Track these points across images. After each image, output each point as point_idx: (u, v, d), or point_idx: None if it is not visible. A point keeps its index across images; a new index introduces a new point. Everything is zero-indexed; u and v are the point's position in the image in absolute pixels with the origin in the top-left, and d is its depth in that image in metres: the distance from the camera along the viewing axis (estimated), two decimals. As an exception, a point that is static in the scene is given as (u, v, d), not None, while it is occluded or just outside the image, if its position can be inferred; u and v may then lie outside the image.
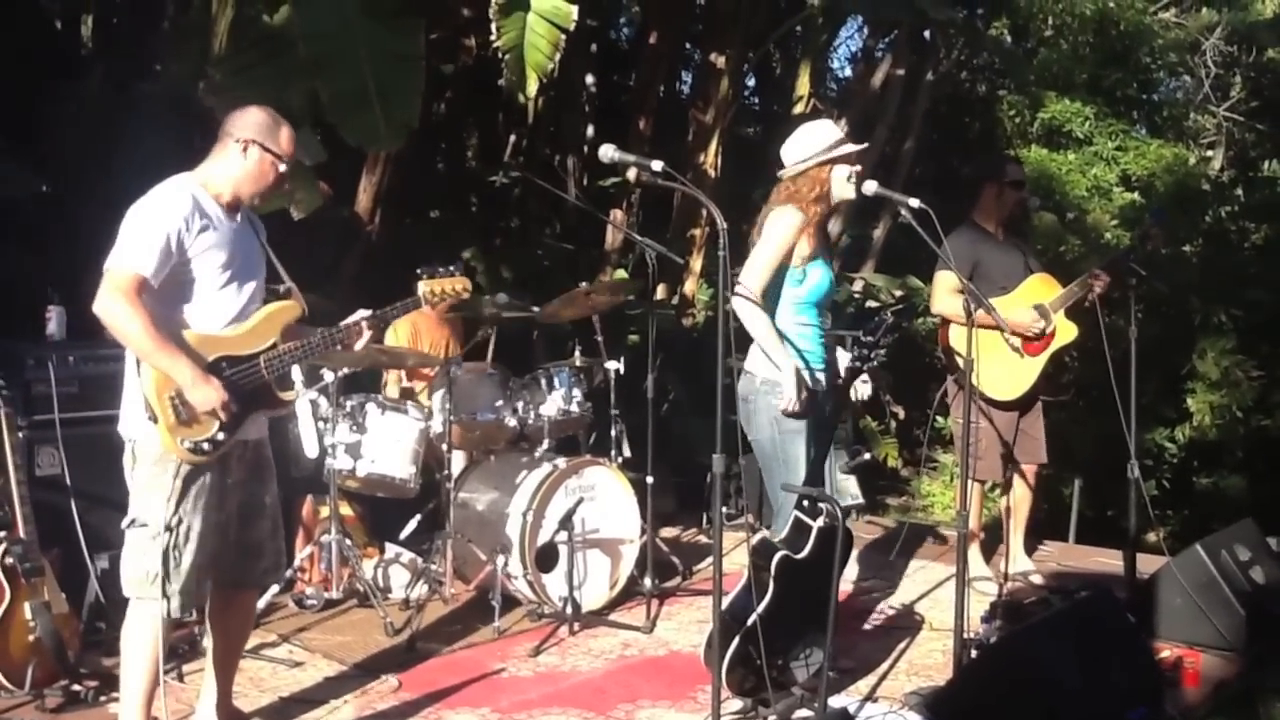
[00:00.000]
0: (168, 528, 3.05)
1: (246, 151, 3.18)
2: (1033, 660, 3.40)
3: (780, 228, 3.81)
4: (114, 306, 2.96)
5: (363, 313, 3.42)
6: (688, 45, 10.15)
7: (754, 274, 3.80)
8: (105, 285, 2.98)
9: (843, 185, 3.87)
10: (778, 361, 3.73)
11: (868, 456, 7.16)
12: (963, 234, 5.01)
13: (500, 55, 5.69)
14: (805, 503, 3.56)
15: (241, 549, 3.29)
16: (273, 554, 3.39)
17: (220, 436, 3.09)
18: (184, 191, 3.11)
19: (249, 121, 3.20)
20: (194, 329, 3.10)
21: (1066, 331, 4.97)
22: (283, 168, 3.23)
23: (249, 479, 3.28)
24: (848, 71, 11.63)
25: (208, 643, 3.43)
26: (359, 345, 3.43)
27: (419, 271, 3.55)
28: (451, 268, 3.58)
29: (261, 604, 4.41)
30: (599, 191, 8.91)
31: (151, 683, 3.11)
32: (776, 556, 3.46)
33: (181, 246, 3.05)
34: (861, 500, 6.59)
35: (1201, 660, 4.00)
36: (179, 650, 3.91)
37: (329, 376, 4.57)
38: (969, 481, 3.96)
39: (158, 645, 3.08)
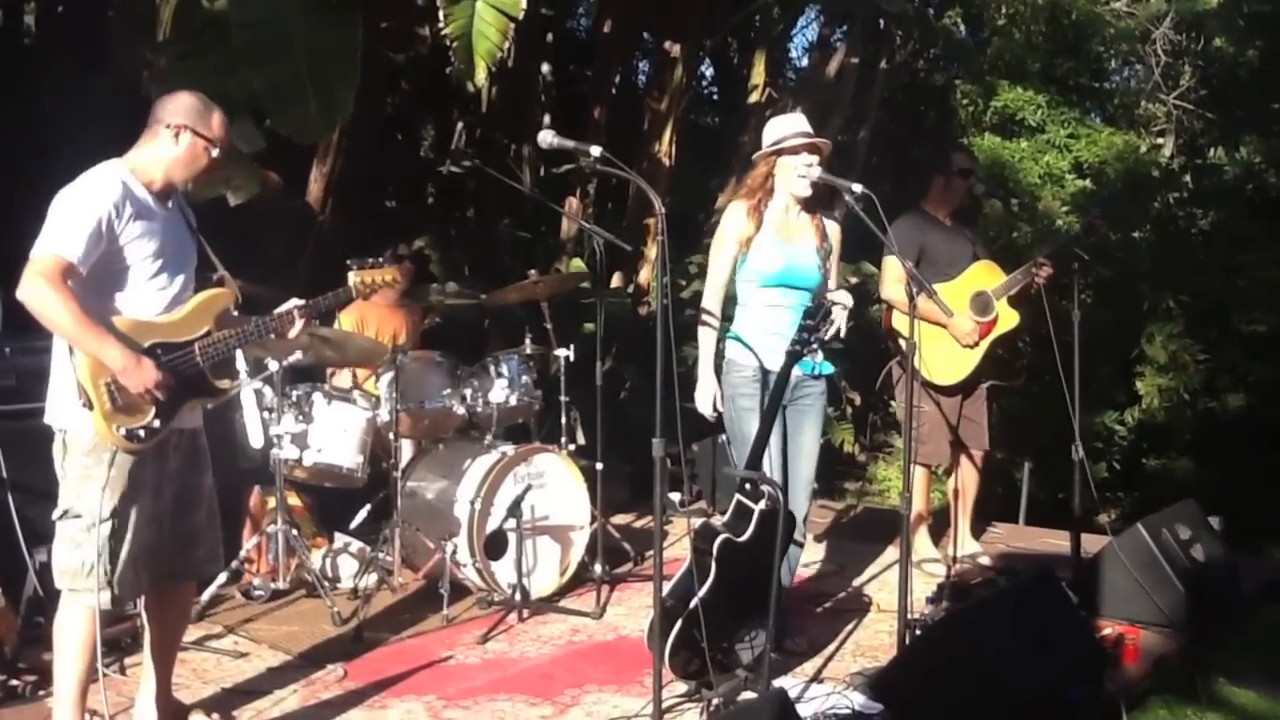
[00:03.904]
0: (106, 519, 2.99)
1: (178, 137, 3.14)
2: (973, 639, 3.43)
3: (721, 230, 4.05)
4: (38, 291, 2.88)
5: (295, 302, 3.39)
6: (645, 35, 10.14)
7: (710, 290, 4.05)
8: (29, 270, 2.90)
9: (791, 178, 3.95)
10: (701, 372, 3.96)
11: (821, 441, 7.19)
12: (909, 220, 5.05)
13: (449, 43, 5.67)
14: (747, 486, 3.57)
15: (178, 540, 3.24)
16: (210, 544, 3.35)
17: (156, 424, 3.05)
18: (114, 177, 3.05)
19: (179, 106, 3.16)
20: (126, 316, 3.05)
21: (1008, 319, 5.02)
22: (215, 152, 3.20)
23: (185, 468, 3.24)
24: (805, 61, 11.64)
25: (146, 637, 3.38)
26: (293, 333, 3.40)
27: (348, 263, 3.58)
28: (381, 259, 3.66)
29: (206, 596, 4.39)
30: (555, 180, 8.89)
31: (85, 675, 3.06)
32: (718, 540, 3.47)
33: (112, 233, 2.99)
34: (815, 485, 6.60)
35: (1141, 637, 4.05)
36: (121, 643, 3.88)
37: (273, 366, 4.53)
38: (913, 465, 4.01)
39: (91, 638, 3.04)
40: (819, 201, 4.08)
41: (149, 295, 3.11)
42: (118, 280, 3.06)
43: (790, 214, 4.03)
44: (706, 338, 3.99)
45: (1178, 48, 9.76)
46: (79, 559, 3.02)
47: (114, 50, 6.50)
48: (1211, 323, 7.81)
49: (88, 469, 3.01)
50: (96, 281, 3.00)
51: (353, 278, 3.52)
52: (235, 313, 3.35)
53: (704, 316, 3.98)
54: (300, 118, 5.30)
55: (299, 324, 3.38)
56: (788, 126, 4.02)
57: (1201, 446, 7.67)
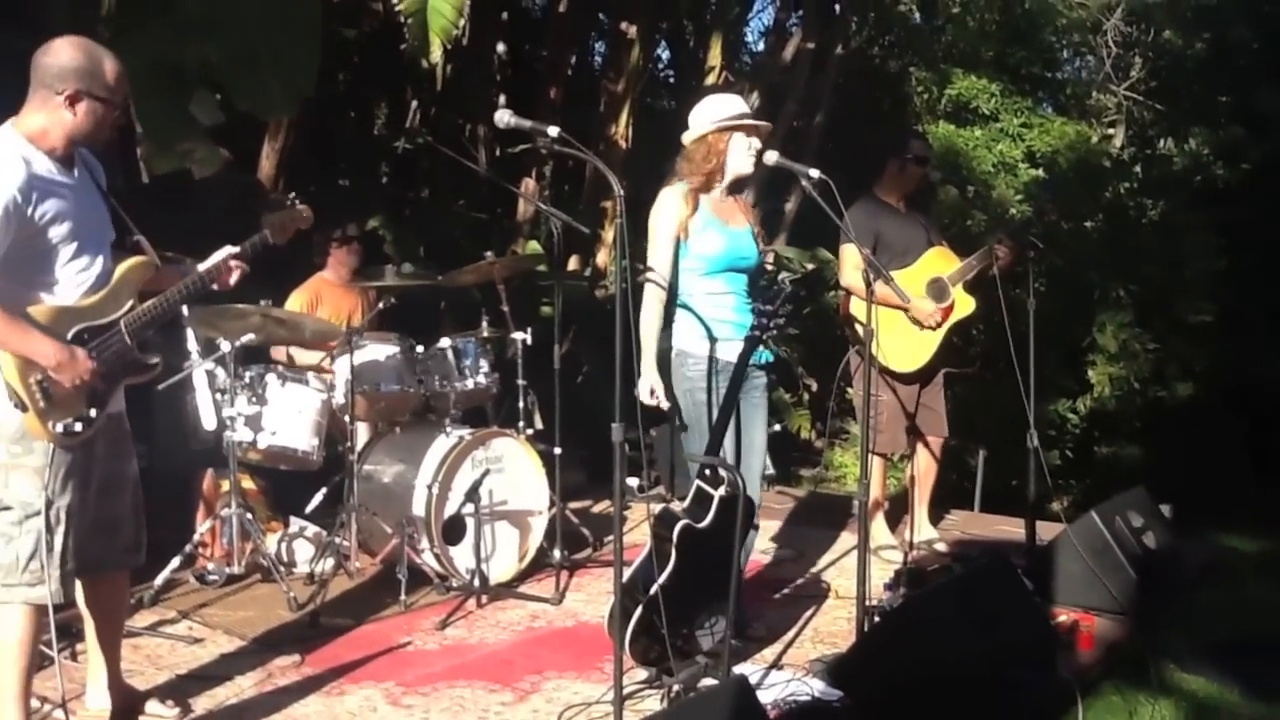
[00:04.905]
0: (41, 510, 2.87)
1: (75, 106, 2.88)
2: (930, 625, 3.46)
3: (661, 210, 3.92)
4: None
5: (228, 250, 3.27)
6: (601, 15, 10.08)
7: (655, 260, 3.91)
8: None
9: (740, 157, 3.91)
10: (640, 356, 3.78)
11: (778, 428, 7.23)
12: (862, 206, 5.05)
13: (403, 19, 5.59)
14: (707, 472, 3.56)
15: (99, 527, 3.10)
16: (132, 532, 3.22)
17: (92, 414, 2.95)
18: (13, 156, 2.83)
19: (67, 69, 2.87)
20: (48, 303, 2.91)
21: (964, 305, 5.05)
22: (117, 109, 2.98)
23: (110, 454, 3.11)
24: (761, 45, 11.65)
25: (88, 626, 3.30)
26: (233, 280, 3.29)
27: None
28: (293, 195, 3.50)
29: (160, 580, 4.32)
30: (511, 161, 8.82)
31: (26, 671, 2.96)
32: (678, 526, 3.46)
33: (21, 219, 2.79)
34: (772, 471, 6.65)
35: (1096, 623, 4.11)
36: (73, 628, 3.78)
37: (226, 347, 4.44)
38: (869, 452, 4.02)
39: (28, 635, 2.93)
40: (744, 183, 4.07)
41: (71, 278, 2.95)
42: (36, 266, 2.89)
43: (723, 196, 3.98)
44: (647, 317, 3.88)
45: (1128, 39, 9.88)
46: (13, 553, 2.90)
47: (54, 19, 6.31)
48: (1159, 312, 7.94)
49: (16, 458, 2.89)
50: (14, 271, 2.83)
51: (265, 223, 3.37)
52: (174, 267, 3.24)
53: (651, 275, 3.86)
54: (260, 93, 5.19)
55: (236, 272, 3.28)
56: (731, 106, 3.97)
57: (1150, 434, 7.80)
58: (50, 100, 2.89)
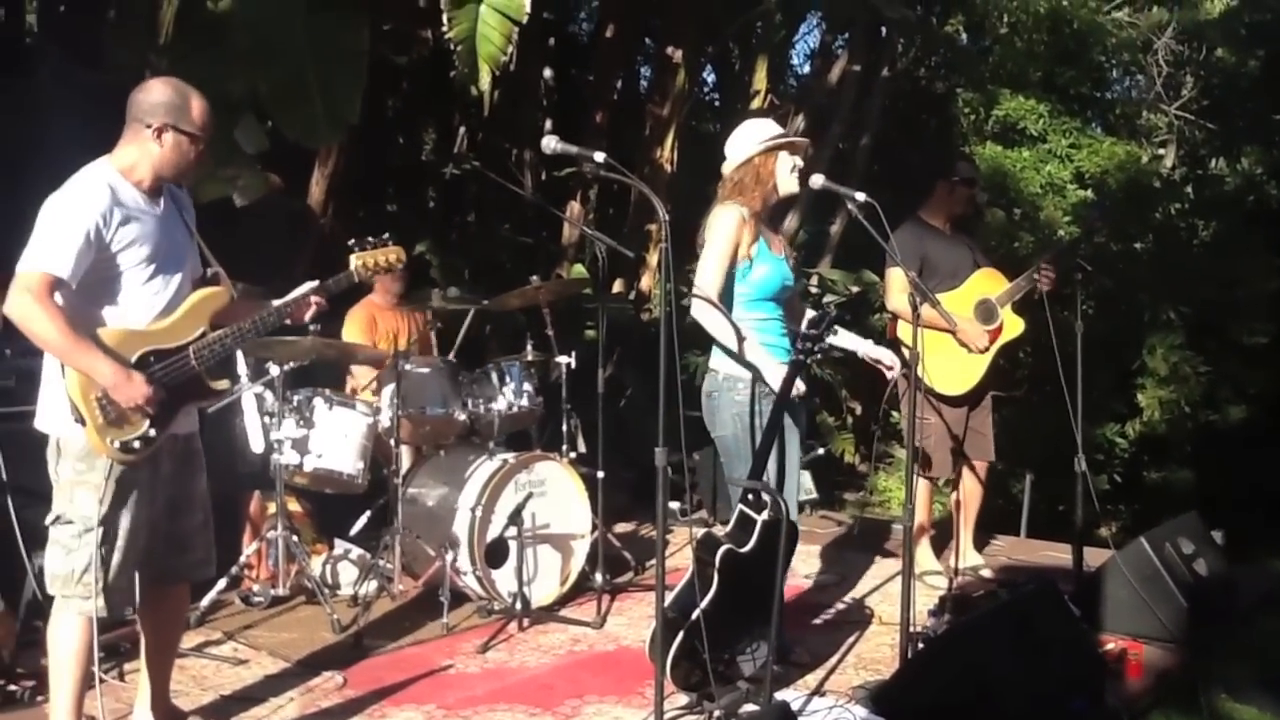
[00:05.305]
0: (97, 525, 2.97)
1: (161, 137, 3.04)
2: (975, 652, 3.42)
3: (721, 226, 3.85)
4: (25, 309, 2.85)
5: (310, 285, 3.34)
6: (647, 40, 10.14)
7: (706, 276, 3.83)
8: (15, 286, 2.86)
9: (786, 177, 3.89)
10: (749, 358, 3.76)
11: (822, 451, 7.19)
12: (908, 229, 5.03)
13: (452, 47, 5.66)
14: (750, 496, 3.55)
15: (170, 542, 3.21)
16: (203, 547, 3.31)
17: (152, 433, 3.02)
18: (100, 183, 2.98)
19: (156, 103, 3.05)
20: (119, 325, 3.00)
21: (1013, 326, 5.01)
22: (201, 144, 3.11)
23: (178, 472, 3.21)
24: (807, 68, 11.66)
25: (143, 644, 3.36)
26: (309, 316, 3.37)
27: (350, 244, 3.49)
28: (385, 236, 3.52)
29: (206, 601, 4.38)
30: (556, 184, 8.88)
31: (80, 683, 3.04)
32: (720, 550, 3.45)
33: (100, 242, 2.93)
34: (815, 495, 6.62)
35: (1145, 652, 4.04)
36: (120, 648, 3.85)
37: (274, 370, 4.51)
38: (915, 477, 3.99)
39: (84, 645, 3.01)
40: (789, 204, 4.04)
41: (144, 300, 3.06)
42: (110, 287, 3.01)
43: (762, 222, 3.95)
44: (725, 325, 3.78)
45: (1179, 58, 9.74)
46: (70, 565, 3.00)
47: (113, 51, 6.46)
48: (1211, 334, 7.82)
49: (80, 474, 3.00)
50: (88, 289, 2.95)
51: (354, 260, 3.44)
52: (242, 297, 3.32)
53: (705, 313, 3.77)
54: (307, 121, 5.29)
55: (313, 308, 3.35)
56: (770, 127, 3.96)
57: (1202, 459, 7.67)
58: (140, 133, 3.05)
